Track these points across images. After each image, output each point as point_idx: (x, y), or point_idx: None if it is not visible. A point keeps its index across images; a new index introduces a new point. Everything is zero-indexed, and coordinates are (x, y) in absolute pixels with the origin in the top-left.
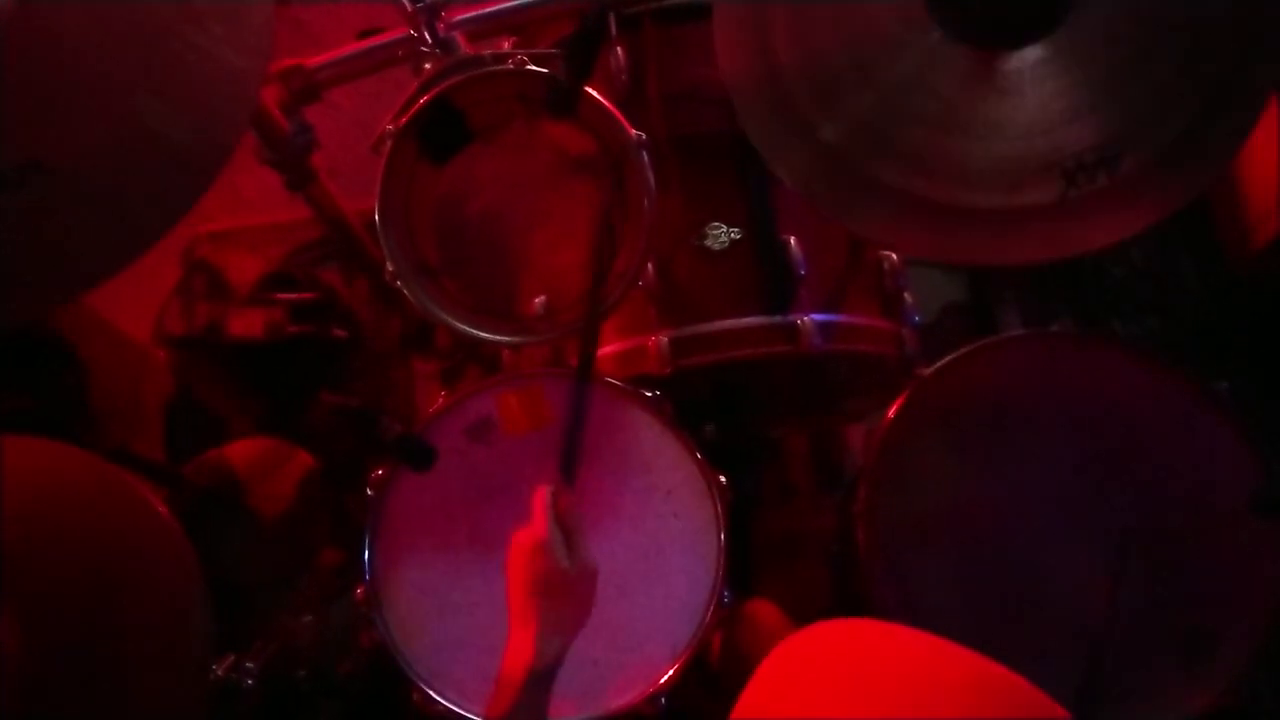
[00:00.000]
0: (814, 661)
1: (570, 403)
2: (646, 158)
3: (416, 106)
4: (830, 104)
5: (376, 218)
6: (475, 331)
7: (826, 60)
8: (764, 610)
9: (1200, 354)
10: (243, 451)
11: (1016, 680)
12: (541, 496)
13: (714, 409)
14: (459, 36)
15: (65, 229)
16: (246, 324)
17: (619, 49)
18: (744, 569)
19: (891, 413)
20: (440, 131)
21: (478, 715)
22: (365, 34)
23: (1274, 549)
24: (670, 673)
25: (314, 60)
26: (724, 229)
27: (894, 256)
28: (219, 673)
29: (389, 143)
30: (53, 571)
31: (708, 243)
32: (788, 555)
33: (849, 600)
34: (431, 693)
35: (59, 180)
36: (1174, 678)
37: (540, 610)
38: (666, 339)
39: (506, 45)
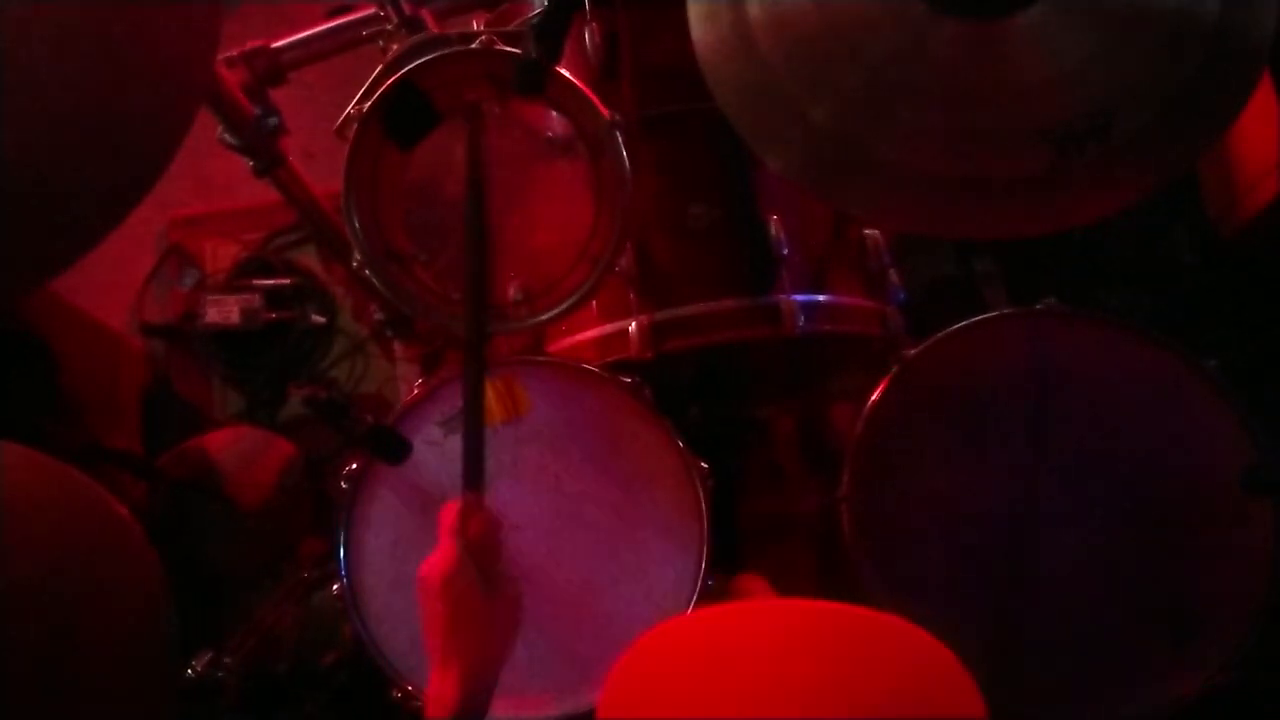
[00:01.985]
0: (666, 657)
1: (467, 398)
2: (621, 138)
3: (381, 89)
4: (817, 85)
5: (343, 205)
6: (448, 320)
7: (809, 41)
8: (754, 585)
9: (1190, 329)
10: (222, 441)
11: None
12: (448, 517)
13: (698, 392)
14: (426, 15)
15: (7, 221)
16: (223, 311)
17: (594, 25)
18: (731, 552)
19: (876, 394)
20: (405, 115)
21: None
22: (336, 12)
23: (1264, 527)
24: None
25: (277, 41)
26: (704, 209)
27: (877, 234)
28: (197, 669)
29: (353, 127)
30: (10, 575)
31: (687, 224)
32: (775, 537)
33: (836, 582)
34: (410, 688)
35: None
36: (1163, 658)
37: (460, 649)
38: (647, 323)
39: (478, 24)
